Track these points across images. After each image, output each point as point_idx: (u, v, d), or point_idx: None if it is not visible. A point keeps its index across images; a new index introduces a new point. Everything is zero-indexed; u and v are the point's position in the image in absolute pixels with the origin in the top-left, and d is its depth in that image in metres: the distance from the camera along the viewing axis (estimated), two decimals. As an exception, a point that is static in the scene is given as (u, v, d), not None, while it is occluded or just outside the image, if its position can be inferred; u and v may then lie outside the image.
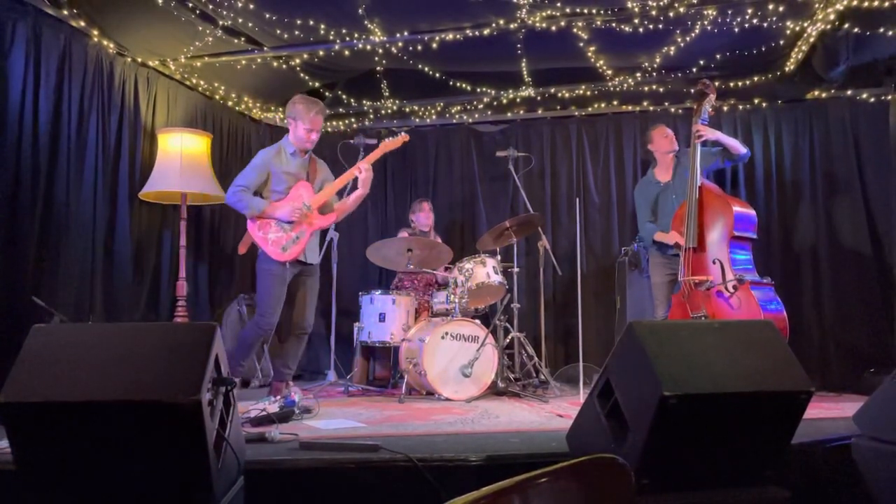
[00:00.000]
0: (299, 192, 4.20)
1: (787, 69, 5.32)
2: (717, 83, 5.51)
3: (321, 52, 5.06)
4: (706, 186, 4.49)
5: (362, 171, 4.28)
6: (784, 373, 2.22)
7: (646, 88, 5.74)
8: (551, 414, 3.88)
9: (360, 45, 4.92)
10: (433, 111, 6.37)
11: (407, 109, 6.32)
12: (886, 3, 4.32)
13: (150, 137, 4.91)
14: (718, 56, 5.15)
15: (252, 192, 4.10)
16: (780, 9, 4.38)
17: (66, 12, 4.16)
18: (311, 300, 4.35)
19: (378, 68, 5.52)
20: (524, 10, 4.44)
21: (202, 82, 5.45)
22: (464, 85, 5.80)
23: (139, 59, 4.83)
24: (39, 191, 3.97)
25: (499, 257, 5.08)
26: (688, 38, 4.80)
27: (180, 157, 4.66)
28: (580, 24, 4.60)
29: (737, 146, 4.63)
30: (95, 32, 4.42)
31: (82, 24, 4.30)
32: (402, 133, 4.63)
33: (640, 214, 4.92)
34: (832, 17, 4.51)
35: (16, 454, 1.94)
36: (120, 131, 4.65)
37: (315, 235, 4.27)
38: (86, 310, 4.25)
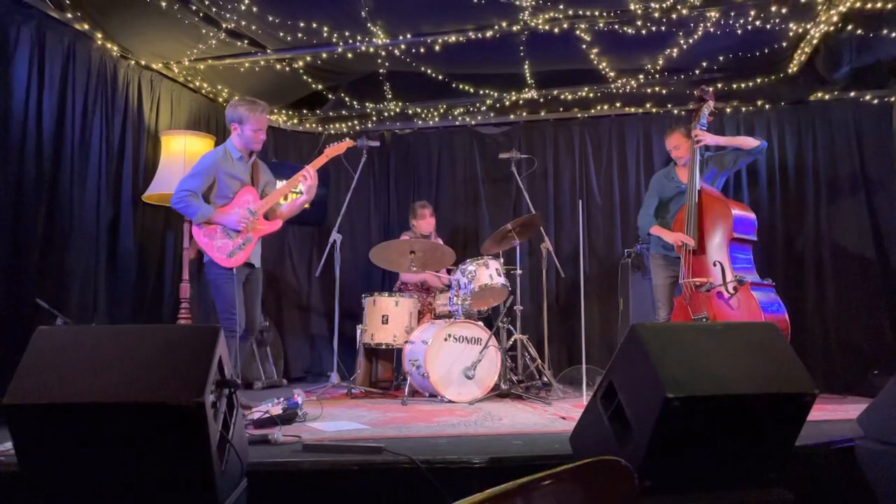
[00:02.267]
0: (245, 197, 4.08)
1: (790, 71, 5.32)
2: (719, 85, 5.52)
3: (324, 55, 5.07)
4: (705, 190, 4.49)
5: (308, 177, 4.16)
6: (787, 375, 2.21)
7: (649, 90, 5.74)
8: (554, 416, 3.87)
9: (363, 48, 4.93)
10: (436, 113, 6.38)
11: (410, 111, 6.33)
12: (889, 5, 4.32)
13: (154, 140, 4.92)
14: (721, 58, 5.16)
15: (199, 196, 3.97)
16: (783, 11, 4.38)
17: (69, 15, 4.18)
18: (257, 301, 4.25)
19: (381, 70, 5.53)
20: (527, 12, 4.45)
21: (205, 85, 5.47)
22: (466, 87, 5.81)
23: (143, 62, 4.85)
24: (43, 193, 3.98)
25: (501, 259, 5.08)
26: (690, 41, 4.80)
27: (183, 160, 4.67)
28: (583, 26, 4.60)
29: (745, 142, 4.60)
30: (99, 35, 4.43)
31: (86, 26, 4.31)
32: (346, 139, 4.56)
33: (647, 204, 4.88)
34: (835, 18, 4.51)
35: (20, 456, 1.95)
36: (123, 133, 4.66)
37: (259, 240, 4.18)
38: (89, 311, 4.26)
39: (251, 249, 4.04)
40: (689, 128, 4.63)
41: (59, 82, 4.14)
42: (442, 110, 6.32)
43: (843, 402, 4.37)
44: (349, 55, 5.05)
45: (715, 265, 4.29)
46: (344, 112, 6.36)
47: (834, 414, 3.77)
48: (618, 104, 6.06)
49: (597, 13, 4.48)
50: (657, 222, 4.76)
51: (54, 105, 4.10)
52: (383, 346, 5.10)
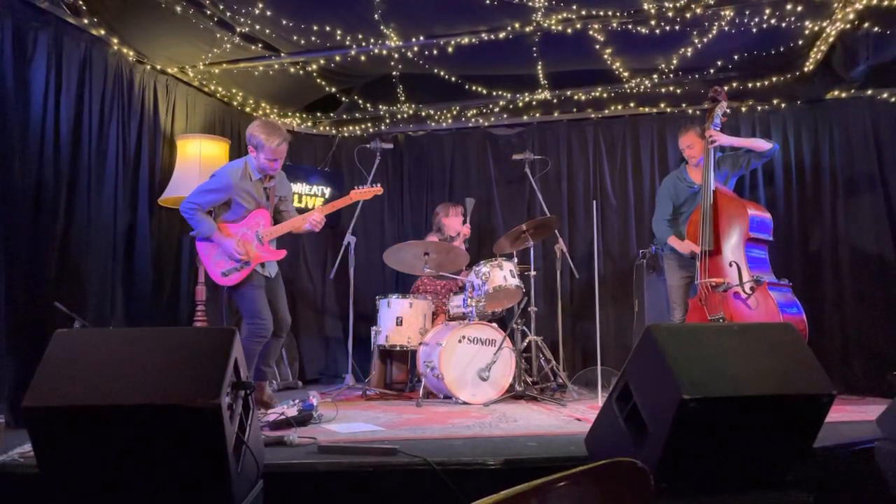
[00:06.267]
0: (257, 219, 4.07)
1: (806, 69, 5.27)
2: (735, 84, 5.48)
3: (337, 58, 5.09)
4: (721, 191, 4.47)
5: (314, 225, 4.16)
6: (805, 376, 2.20)
7: (663, 90, 5.71)
8: (569, 417, 3.86)
9: (377, 50, 4.94)
10: (449, 115, 6.38)
11: (423, 113, 6.34)
12: (907, 2, 4.27)
13: (170, 144, 4.96)
14: (736, 57, 5.12)
15: (206, 212, 3.98)
16: (799, 9, 4.35)
17: (86, 21, 4.22)
18: (283, 301, 4.25)
19: (394, 73, 5.54)
20: (539, 13, 4.44)
21: (220, 89, 5.50)
22: (480, 88, 5.80)
23: (158, 67, 4.89)
24: (61, 197, 4.02)
25: (516, 260, 5.07)
26: (705, 40, 4.77)
27: (199, 163, 4.70)
28: (596, 26, 4.59)
29: (758, 144, 4.59)
30: (115, 40, 4.47)
31: (102, 32, 4.35)
32: (378, 185, 4.59)
33: (660, 210, 4.86)
34: (851, 16, 4.47)
35: (39, 458, 1.97)
36: (140, 138, 4.70)
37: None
38: (107, 314, 4.29)
39: (247, 273, 3.99)
40: (703, 128, 4.61)
41: (76, 87, 4.18)
42: (455, 112, 6.32)
43: (862, 403, 4.33)
44: (362, 58, 5.06)
45: (731, 265, 4.26)
46: (357, 114, 6.38)
47: (853, 415, 3.73)
48: (632, 104, 6.04)
49: (610, 13, 4.47)
50: (671, 225, 4.74)
51: (71, 110, 4.14)
52: (398, 348, 5.11)
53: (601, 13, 4.47)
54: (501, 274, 4.79)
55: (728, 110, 4.75)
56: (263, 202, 4.13)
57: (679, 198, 4.79)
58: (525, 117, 6.32)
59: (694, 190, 4.71)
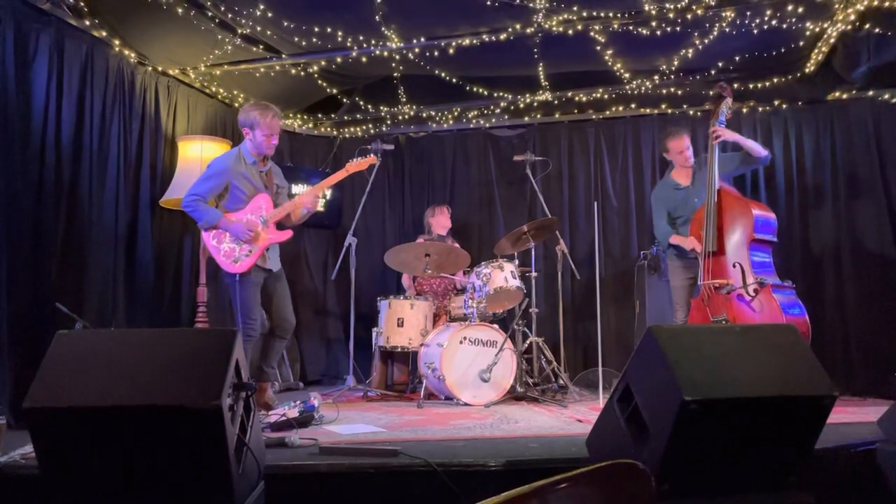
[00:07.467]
0: (259, 203, 4.06)
1: (807, 70, 5.28)
2: (736, 85, 5.48)
3: (339, 59, 5.10)
4: (725, 189, 4.44)
5: (308, 206, 4.17)
6: (807, 377, 2.19)
7: (664, 91, 5.70)
8: (570, 419, 3.86)
9: (378, 52, 4.95)
10: (450, 116, 6.39)
11: (424, 115, 6.34)
12: (908, 3, 4.27)
13: (171, 145, 4.97)
14: (737, 58, 5.12)
15: (208, 201, 3.98)
16: (800, 10, 4.35)
17: (87, 22, 4.23)
18: (286, 301, 4.23)
19: (395, 74, 5.55)
20: (540, 14, 4.44)
21: (221, 90, 5.51)
22: (481, 89, 5.80)
23: (160, 68, 4.89)
24: (63, 198, 4.03)
25: (517, 262, 5.07)
26: (706, 41, 4.77)
27: (200, 164, 4.71)
28: (597, 27, 4.59)
29: (756, 148, 4.58)
30: (117, 42, 4.48)
31: (104, 33, 4.36)
32: (371, 155, 4.59)
33: (657, 216, 4.87)
34: (853, 17, 4.47)
35: (40, 458, 1.97)
36: (141, 139, 4.71)
37: (273, 246, 4.14)
38: (108, 316, 4.29)
39: (257, 256, 3.99)
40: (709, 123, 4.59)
41: (77, 89, 4.18)
42: (456, 113, 6.32)
43: (864, 405, 4.33)
44: (363, 59, 5.06)
45: (734, 266, 4.24)
46: (358, 116, 6.38)
47: (854, 416, 3.72)
48: (633, 105, 6.04)
49: (611, 14, 4.47)
50: (674, 231, 4.73)
51: (73, 111, 4.14)
52: (399, 349, 5.11)
53: (602, 14, 4.48)
54: (502, 275, 4.79)
55: (732, 106, 4.74)
56: (262, 187, 4.12)
57: (670, 203, 4.78)
58: (526, 118, 6.33)
59: (682, 191, 4.71)
